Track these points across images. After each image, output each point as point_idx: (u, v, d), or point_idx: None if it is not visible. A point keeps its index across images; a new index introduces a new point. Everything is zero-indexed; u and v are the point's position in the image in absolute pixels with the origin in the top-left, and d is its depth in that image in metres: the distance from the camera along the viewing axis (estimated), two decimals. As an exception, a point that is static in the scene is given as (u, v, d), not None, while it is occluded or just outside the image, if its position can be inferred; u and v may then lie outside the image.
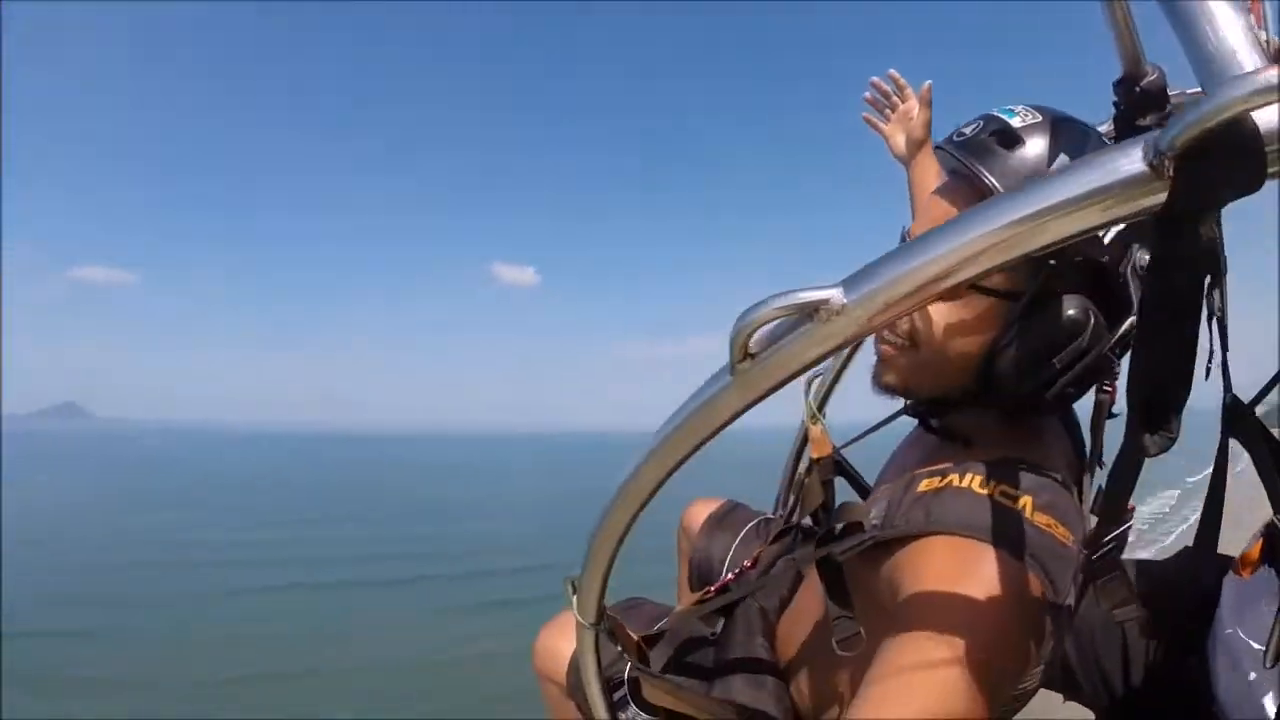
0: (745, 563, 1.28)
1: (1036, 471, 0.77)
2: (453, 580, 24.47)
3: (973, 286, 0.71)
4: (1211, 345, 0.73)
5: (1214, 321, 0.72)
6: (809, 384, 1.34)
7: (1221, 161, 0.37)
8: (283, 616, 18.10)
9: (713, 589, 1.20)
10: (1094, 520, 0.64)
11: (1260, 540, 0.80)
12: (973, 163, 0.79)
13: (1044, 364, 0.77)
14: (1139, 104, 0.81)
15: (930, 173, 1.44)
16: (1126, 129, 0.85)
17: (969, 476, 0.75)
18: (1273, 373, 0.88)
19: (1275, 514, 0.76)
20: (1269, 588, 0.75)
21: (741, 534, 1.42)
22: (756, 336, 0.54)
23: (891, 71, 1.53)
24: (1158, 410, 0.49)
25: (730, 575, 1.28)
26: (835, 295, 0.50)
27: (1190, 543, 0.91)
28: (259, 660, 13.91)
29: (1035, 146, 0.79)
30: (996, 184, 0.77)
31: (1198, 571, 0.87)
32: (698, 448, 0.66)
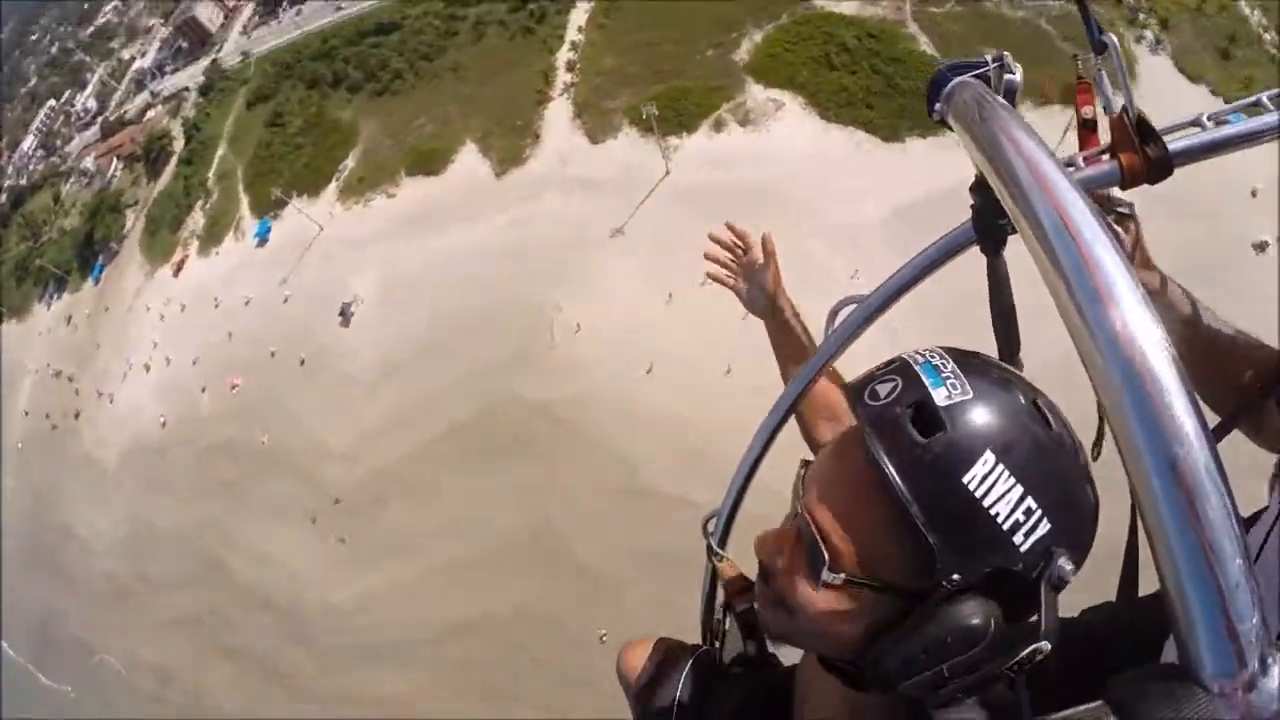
0: None
1: None
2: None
3: (854, 581, 0.71)
4: None
5: None
6: (705, 523, 1.28)
7: None
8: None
9: None
10: None
11: None
12: (876, 446, 0.68)
13: (930, 667, 0.69)
14: (998, 206, 0.79)
15: (791, 326, 1.53)
16: (986, 228, 0.93)
17: None
18: None
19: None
20: None
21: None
22: None
23: (729, 223, 1.57)
24: None
25: None
26: None
27: None
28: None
29: (958, 435, 0.66)
30: (904, 489, 0.66)
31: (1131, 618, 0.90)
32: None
